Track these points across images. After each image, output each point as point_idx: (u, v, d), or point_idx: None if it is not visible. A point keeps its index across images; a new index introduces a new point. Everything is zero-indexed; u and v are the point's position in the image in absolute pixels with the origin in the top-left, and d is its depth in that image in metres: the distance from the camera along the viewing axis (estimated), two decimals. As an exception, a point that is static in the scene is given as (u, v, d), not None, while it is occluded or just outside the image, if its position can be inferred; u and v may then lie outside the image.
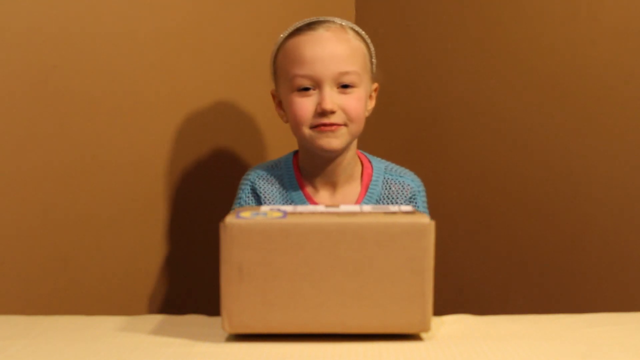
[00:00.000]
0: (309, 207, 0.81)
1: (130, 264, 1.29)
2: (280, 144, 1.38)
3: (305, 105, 1.05)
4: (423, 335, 0.76)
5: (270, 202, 1.11)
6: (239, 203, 1.13)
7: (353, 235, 0.72)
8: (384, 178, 1.12)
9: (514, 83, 1.36)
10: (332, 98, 1.04)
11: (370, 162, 1.14)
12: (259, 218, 0.73)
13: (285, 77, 1.08)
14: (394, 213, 0.75)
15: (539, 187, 1.33)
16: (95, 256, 1.24)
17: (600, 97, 1.24)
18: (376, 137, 1.54)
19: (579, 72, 1.26)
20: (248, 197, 1.13)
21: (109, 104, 1.24)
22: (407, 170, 1.14)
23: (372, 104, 1.14)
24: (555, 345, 0.73)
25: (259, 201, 1.12)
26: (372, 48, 1.13)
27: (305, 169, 1.13)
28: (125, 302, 1.29)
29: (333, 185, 1.12)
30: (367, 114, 1.13)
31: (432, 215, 0.76)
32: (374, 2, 1.58)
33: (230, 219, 0.73)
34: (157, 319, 0.86)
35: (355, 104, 1.06)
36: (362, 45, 1.10)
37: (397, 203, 1.09)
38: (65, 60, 1.18)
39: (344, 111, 1.05)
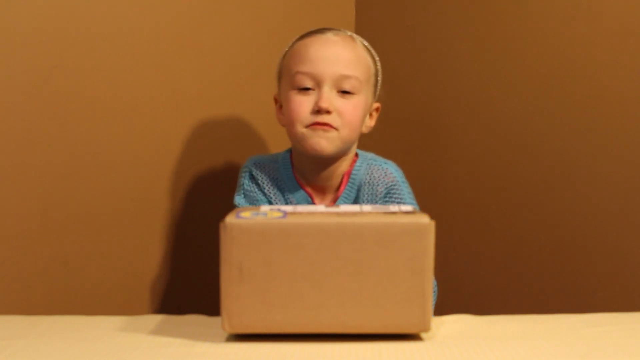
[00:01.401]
0: (309, 207, 0.81)
1: (130, 264, 1.29)
2: (280, 144, 1.38)
3: (303, 103, 1.05)
4: (423, 335, 0.76)
5: (267, 188, 1.12)
6: (243, 189, 1.14)
7: (353, 235, 0.73)
8: (367, 164, 1.11)
9: (514, 84, 1.36)
10: (330, 98, 1.04)
11: (357, 154, 1.14)
12: (259, 218, 0.73)
13: (288, 74, 1.08)
14: (394, 213, 0.76)
15: (539, 187, 1.34)
16: (95, 256, 1.24)
17: (600, 97, 1.24)
18: (376, 137, 1.53)
19: (579, 72, 1.26)
20: (250, 183, 1.13)
21: (109, 104, 1.24)
22: (391, 162, 1.13)
23: (371, 123, 1.14)
24: (555, 345, 0.73)
25: (258, 187, 1.13)
26: (379, 67, 1.13)
27: (299, 171, 1.13)
28: (125, 302, 1.29)
29: (323, 191, 1.12)
30: (365, 130, 1.13)
31: (432, 216, 0.76)
32: (374, 2, 1.58)
33: (230, 219, 0.73)
34: (157, 319, 0.86)
35: (352, 109, 1.05)
36: (368, 59, 1.10)
37: (376, 189, 1.08)
38: (65, 61, 1.18)
39: (340, 114, 1.05)
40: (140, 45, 1.27)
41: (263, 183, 1.12)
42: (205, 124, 1.38)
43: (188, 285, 1.38)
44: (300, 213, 0.76)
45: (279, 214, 0.75)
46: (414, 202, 1.11)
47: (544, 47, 1.31)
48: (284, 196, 1.11)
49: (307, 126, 1.05)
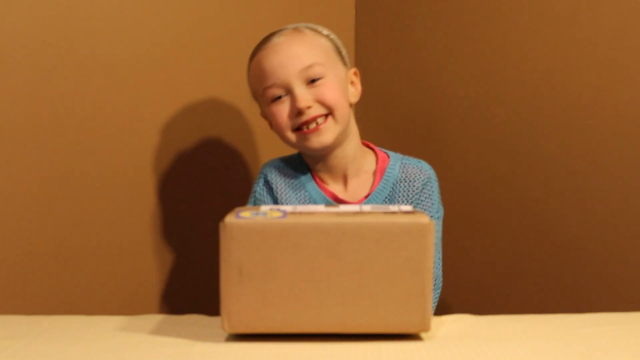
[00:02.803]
0: (309, 207, 0.81)
1: (130, 264, 1.29)
2: (282, 143, 1.38)
3: (282, 111, 1.06)
4: (423, 335, 0.76)
5: (283, 193, 1.12)
6: (254, 196, 1.14)
7: (353, 235, 0.72)
8: (402, 163, 1.12)
9: (514, 82, 1.36)
10: (303, 95, 1.05)
11: (386, 153, 1.15)
12: (258, 218, 0.73)
13: (258, 94, 1.10)
14: (393, 213, 0.75)
15: (539, 186, 1.33)
16: (95, 256, 1.24)
17: (600, 96, 1.24)
18: (375, 136, 1.53)
19: (578, 72, 1.26)
20: (262, 189, 1.13)
21: (109, 104, 1.24)
22: (424, 161, 1.15)
23: (357, 89, 1.14)
24: (555, 345, 0.73)
25: (271, 193, 1.12)
26: (336, 39, 1.13)
27: (313, 166, 1.13)
28: (125, 302, 1.29)
29: (343, 178, 1.12)
30: (353, 99, 1.13)
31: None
32: (374, 2, 1.58)
33: (230, 219, 0.73)
34: (157, 319, 0.86)
35: (329, 91, 1.06)
36: (320, 40, 1.10)
37: (413, 185, 1.09)
38: (65, 60, 1.18)
39: (321, 102, 1.06)
40: (140, 45, 1.27)
41: (277, 188, 1.12)
42: (206, 125, 1.38)
43: (188, 285, 1.38)
44: (300, 213, 0.75)
45: (279, 214, 0.75)
46: (440, 202, 1.13)
47: (543, 46, 1.31)
48: (302, 197, 1.11)
49: (295, 130, 1.07)
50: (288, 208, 0.79)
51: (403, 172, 1.11)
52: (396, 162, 1.12)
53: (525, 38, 1.34)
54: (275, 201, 1.12)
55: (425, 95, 1.51)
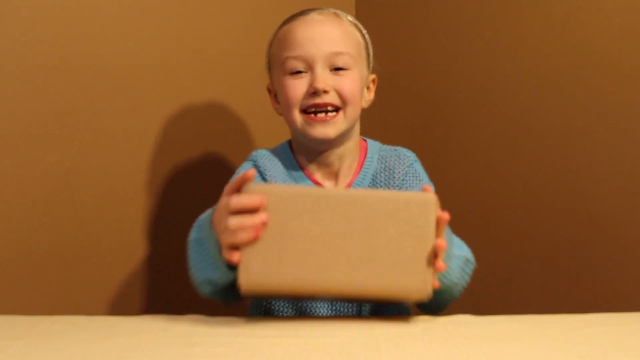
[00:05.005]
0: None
1: (131, 264, 1.29)
2: (277, 143, 1.38)
3: (297, 86, 1.03)
4: (423, 335, 0.76)
5: (273, 179, 1.06)
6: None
7: (363, 206, 0.79)
8: (379, 155, 1.09)
9: (514, 81, 1.36)
10: (324, 78, 1.02)
11: (365, 141, 1.12)
12: (276, 184, 0.82)
13: (278, 61, 1.06)
14: (400, 191, 0.85)
15: (541, 186, 1.34)
16: (96, 256, 1.24)
17: (603, 95, 1.24)
18: (376, 135, 1.53)
19: (579, 72, 1.26)
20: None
21: (109, 104, 1.24)
22: (400, 147, 1.12)
23: (370, 96, 1.12)
24: (555, 345, 0.73)
25: (262, 178, 1.06)
26: (369, 40, 1.11)
27: (303, 158, 1.09)
28: (125, 302, 1.29)
29: (335, 175, 1.08)
30: (365, 104, 1.11)
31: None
32: (374, 2, 1.58)
33: (248, 185, 0.80)
34: (157, 319, 0.86)
35: (349, 84, 1.03)
36: (357, 33, 1.08)
37: (395, 174, 1.07)
38: (65, 60, 1.18)
39: (338, 92, 1.03)
40: (139, 45, 1.27)
41: (268, 174, 1.06)
42: (204, 124, 1.38)
43: (188, 285, 1.37)
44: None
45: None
46: (429, 180, 1.09)
47: (542, 44, 1.31)
48: None
49: (304, 110, 1.03)
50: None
51: (382, 163, 1.08)
52: (374, 153, 1.10)
53: (525, 38, 1.34)
54: None
55: (425, 94, 1.51)
